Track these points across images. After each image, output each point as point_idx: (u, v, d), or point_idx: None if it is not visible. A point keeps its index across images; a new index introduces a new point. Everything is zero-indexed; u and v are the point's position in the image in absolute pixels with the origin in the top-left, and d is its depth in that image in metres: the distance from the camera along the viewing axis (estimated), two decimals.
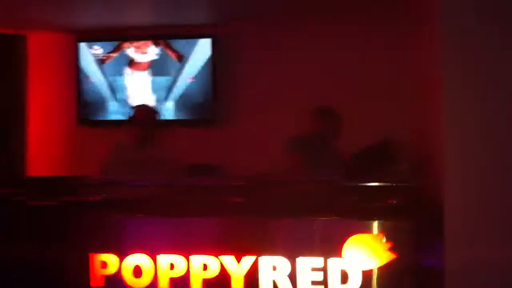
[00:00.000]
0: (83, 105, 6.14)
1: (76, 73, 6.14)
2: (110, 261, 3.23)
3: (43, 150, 6.25)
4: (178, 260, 3.16)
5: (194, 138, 5.91)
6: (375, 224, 2.99)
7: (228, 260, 3.11)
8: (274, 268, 3.06)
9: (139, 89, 6.03)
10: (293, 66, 5.76)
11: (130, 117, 4.36)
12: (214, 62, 5.93)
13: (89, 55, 6.11)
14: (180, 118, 6.00)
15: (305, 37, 5.74)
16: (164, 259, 3.18)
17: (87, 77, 6.14)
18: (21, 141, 6.20)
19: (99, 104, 6.13)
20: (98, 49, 6.10)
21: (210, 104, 5.94)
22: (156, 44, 5.98)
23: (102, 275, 3.24)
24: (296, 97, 5.61)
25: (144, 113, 4.36)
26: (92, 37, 6.09)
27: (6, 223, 3.55)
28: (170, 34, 5.98)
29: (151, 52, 5.99)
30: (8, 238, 3.50)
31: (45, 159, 6.21)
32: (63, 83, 6.27)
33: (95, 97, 6.13)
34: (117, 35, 6.04)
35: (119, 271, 3.22)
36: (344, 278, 2.98)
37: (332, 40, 5.66)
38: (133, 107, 4.65)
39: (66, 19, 5.70)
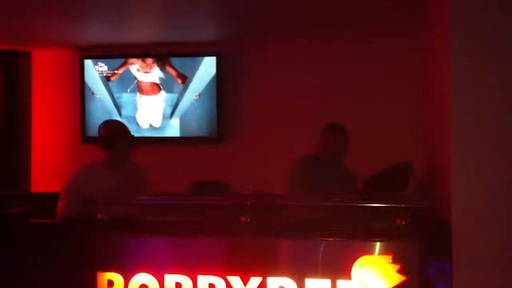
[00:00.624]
0: (88, 123, 6.15)
1: (81, 90, 6.15)
2: (116, 280, 3.21)
3: (47, 167, 6.24)
4: (185, 280, 3.14)
5: (199, 156, 5.91)
6: (384, 246, 2.97)
7: (235, 281, 3.09)
8: None
9: (150, 110, 6.04)
10: (299, 83, 5.77)
11: (101, 136, 3.90)
12: (219, 80, 5.94)
13: (94, 72, 6.13)
14: (185, 135, 6.00)
15: (311, 54, 5.75)
16: (170, 279, 3.16)
17: (92, 94, 6.15)
18: (26, 158, 6.20)
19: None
20: (103, 66, 6.12)
21: (214, 121, 5.95)
22: (160, 64, 5.99)
23: None
24: (301, 115, 5.62)
25: (117, 129, 3.92)
26: (97, 54, 6.11)
27: (11, 240, 3.54)
28: (175, 52, 6.00)
29: (155, 72, 6.01)
30: (12, 256, 3.50)
31: (49, 176, 6.19)
32: (68, 100, 6.28)
33: (100, 114, 6.13)
34: (122, 52, 6.06)
35: None
36: None
37: (339, 57, 5.68)
38: (101, 125, 4.03)
39: (71, 36, 5.72)
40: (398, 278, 2.93)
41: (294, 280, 3.03)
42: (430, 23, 3.67)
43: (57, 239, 3.42)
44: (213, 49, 5.93)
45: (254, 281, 3.07)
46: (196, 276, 3.13)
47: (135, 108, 6.10)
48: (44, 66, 6.32)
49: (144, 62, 6.05)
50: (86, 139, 6.17)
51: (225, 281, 3.10)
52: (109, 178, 3.77)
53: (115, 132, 3.89)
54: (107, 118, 6.08)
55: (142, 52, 6.01)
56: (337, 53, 5.66)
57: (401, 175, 3.81)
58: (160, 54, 6.02)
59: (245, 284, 3.08)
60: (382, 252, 2.95)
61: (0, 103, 6.13)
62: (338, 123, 4.11)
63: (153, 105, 6.06)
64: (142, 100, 6.08)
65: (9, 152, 6.13)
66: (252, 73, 5.94)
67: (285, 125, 5.72)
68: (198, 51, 5.96)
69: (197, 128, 5.99)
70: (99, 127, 4.00)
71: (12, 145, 6.14)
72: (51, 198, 5.79)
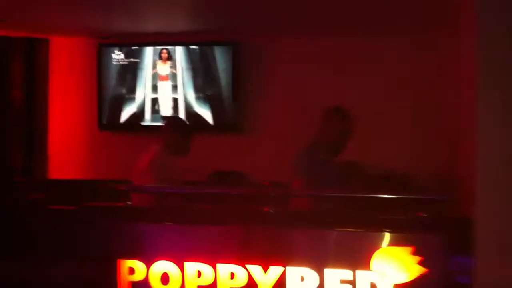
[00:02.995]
0: (105, 110, 6.17)
1: (98, 77, 6.17)
2: (137, 268, 3.24)
3: (65, 154, 6.29)
4: (205, 268, 3.17)
5: (218, 145, 5.91)
6: (405, 237, 2.98)
7: (256, 270, 3.11)
8: (302, 279, 3.06)
9: (166, 99, 6.06)
10: (317, 73, 5.76)
11: (162, 127, 4.44)
12: (236, 69, 5.95)
13: (111, 60, 6.15)
14: (202, 124, 6.02)
15: (328, 46, 5.74)
16: (191, 267, 3.19)
17: (108, 82, 6.17)
18: (43, 145, 6.24)
19: (121, 109, 6.15)
20: (120, 54, 6.13)
21: (232, 111, 5.96)
22: (175, 53, 6.00)
23: (130, 282, 3.25)
24: (319, 105, 5.60)
25: (174, 124, 4.42)
26: (114, 42, 6.12)
27: (30, 227, 3.57)
28: (192, 41, 6.00)
29: (171, 61, 6.02)
30: (31, 244, 3.52)
31: (67, 163, 6.24)
32: (85, 87, 6.30)
33: (117, 102, 6.15)
34: (138, 41, 6.07)
35: (146, 278, 3.23)
36: None
37: (357, 51, 5.67)
38: (164, 118, 4.99)
39: (89, 24, 5.73)
40: (419, 270, 2.94)
41: (314, 270, 3.05)
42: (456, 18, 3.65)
43: (77, 226, 3.44)
44: (231, 39, 5.93)
45: (275, 270, 3.09)
46: (216, 264, 3.16)
47: (152, 97, 6.11)
48: (62, 53, 6.34)
49: (161, 51, 6.05)
50: (103, 126, 6.20)
51: (246, 270, 3.12)
52: (172, 166, 4.07)
53: (173, 123, 4.46)
54: (123, 106, 6.12)
55: (159, 40, 6.02)
56: (356, 45, 5.64)
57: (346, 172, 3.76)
58: (176, 43, 6.02)
59: (265, 273, 3.10)
60: (403, 244, 2.96)
61: (19, 91, 6.16)
62: (340, 106, 3.91)
63: (169, 93, 6.08)
64: (159, 89, 6.10)
65: (27, 140, 6.17)
66: (270, 62, 5.93)
67: (302, 116, 5.71)
68: (216, 40, 5.95)
69: (213, 117, 6.01)
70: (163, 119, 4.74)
71: (30, 133, 6.18)
72: (68, 185, 5.87)
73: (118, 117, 6.15)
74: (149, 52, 6.08)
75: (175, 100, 6.06)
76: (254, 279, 3.11)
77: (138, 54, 6.11)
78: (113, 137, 6.20)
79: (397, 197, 3.26)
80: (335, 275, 3.02)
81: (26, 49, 6.16)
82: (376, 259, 2.98)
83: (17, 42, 6.13)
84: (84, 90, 6.31)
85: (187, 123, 4.54)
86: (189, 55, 6.03)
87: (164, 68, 6.08)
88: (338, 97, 5.46)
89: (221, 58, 5.97)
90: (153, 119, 6.06)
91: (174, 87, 6.06)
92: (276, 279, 3.08)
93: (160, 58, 6.07)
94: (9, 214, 3.63)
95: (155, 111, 6.09)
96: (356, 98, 5.41)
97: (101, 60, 6.16)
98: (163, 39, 6.02)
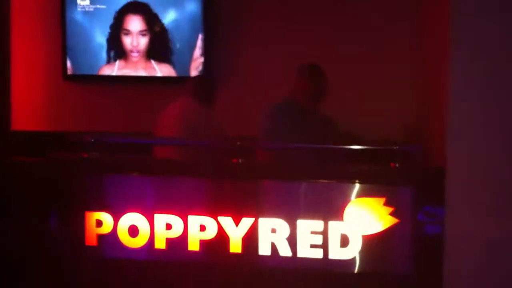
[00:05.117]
0: (69, 60, 5.96)
1: (62, 26, 5.93)
2: (105, 220, 3.18)
3: (28, 106, 6.08)
4: (175, 220, 3.12)
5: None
6: (377, 188, 2.97)
7: (226, 222, 3.07)
8: (274, 231, 3.04)
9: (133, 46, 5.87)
10: (290, 27, 5.63)
11: (191, 79, 4.74)
12: (206, 19, 5.78)
13: (76, 6, 5.90)
14: (171, 75, 5.87)
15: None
16: (160, 219, 3.14)
17: (73, 30, 5.94)
18: (5, 96, 6.02)
19: (87, 59, 5.95)
20: (85, 1, 5.89)
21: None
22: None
23: (97, 234, 3.19)
24: (290, 59, 5.51)
25: (201, 84, 4.58)
26: None
27: None
28: None
29: (139, 9, 5.81)
30: None
31: (30, 115, 6.05)
32: (49, 36, 6.05)
33: (82, 51, 5.94)
34: None
35: (114, 231, 3.17)
36: (345, 242, 2.97)
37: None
38: (191, 78, 5.07)
39: None
40: (391, 221, 2.94)
41: (286, 221, 3.02)
42: None
43: (43, 178, 3.34)
44: None
45: (246, 221, 3.06)
46: (187, 216, 3.11)
47: (119, 46, 5.92)
48: (23, 1, 6.06)
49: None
50: (67, 76, 6.00)
51: (217, 222, 3.08)
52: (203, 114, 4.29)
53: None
54: (89, 56, 5.91)
55: None
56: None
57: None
58: None
59: (236, 225, 3.06)
60: (375, 195, 2.95)
61: None
62: (314, 63, 3.78)
63: (138, 43, 5.89)
64: (125, 38, 5.90)
65: None
66: (242, 14, 5.77)
67: (274, 70, 5.61)
68: None
69: (181, 69, 5.86)
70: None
71: None
72: (33, 136, 5.71)
73: (85, 67, 5.96)
74: None
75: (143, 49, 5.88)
76: (225, 231, 3.08)
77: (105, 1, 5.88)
78: (80, 88, 6.02)
79: (370, 149, 3.24)
80: (306, 226, 3.00)
81: None
82: (349, 210, 2.97)
83: None
84: (48, 39, 6.06)
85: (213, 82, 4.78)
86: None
87: (131, 16, 5.87)
88: (311, 51, 5.39)
89: (188, 7, 5.78)
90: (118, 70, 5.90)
91: (142, 37, 5.87)
92: (247, 231, 3.05)
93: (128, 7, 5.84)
94: None
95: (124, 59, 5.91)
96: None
97: (66, 6, 5.90)
98: None
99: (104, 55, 5.92)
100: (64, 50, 5.94)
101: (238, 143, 3.26)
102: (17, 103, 6.08)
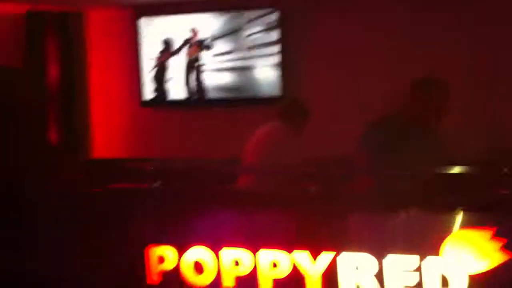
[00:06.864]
0: (145, 85, 5.83)
1: (137, 51, 5.82)
2: (167, 256, 2.85)
3: (106, 132, 6.01)
4: (244, 256, 2.74)
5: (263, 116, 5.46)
6: (482, 218, 2.45)
7: (302, 257, 2.66)
8: (357, 268, 2.59)
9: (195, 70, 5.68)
10: (368, 43, 5.23)
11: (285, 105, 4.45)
12: (283, 36, 5.47)
13: (150, 32, 5.78)
14: (246, 96, 5.59)
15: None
16: (228, 254, 2.77)
17: (149, 55, 5.81)
18: (85, 124, 5.98)
19: (163, 84, 5.80)
20: (160, 26, 5.75)
21: (278, 80, 5.50)
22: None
23: (160, 271, 2.87)
24: (371, 75, 5.10)
25: (297, 103, 4.44)
26: (152, 13, 5.73)
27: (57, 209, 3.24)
28: (234, 7, 5.55)
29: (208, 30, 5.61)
30: (58, 228, 3.19)
31: (108, 141, 5.97)
32: (124, 62, 5.96)
33: (159, 77, 5.80)
34: (178, 9, 5.66)
35: (177, 267, 2.84)
36: (444, 282, 2.47)
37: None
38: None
39: None
40: (501, 257, 2.41)
41: (373, 256, 2.57)
42: None
43: (104, 209, 3.08)
44: (276, 4, 5.45)
45: (325, 257, 2.63)
46: (257, 251, 2.73)
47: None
48: (98, 27, 6.01)
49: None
50: (144, 103, 5.87)
51: (291, 257, 2.67)
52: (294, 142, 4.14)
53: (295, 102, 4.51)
54: (165, 81, 5.76)
55: (200, 8, 5.60)
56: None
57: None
58: (219, 8, 5.58)
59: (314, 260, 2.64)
60: (480, 226, 2.44)
61: (56, 69, 5.87)
62: (435, 76, 3.45)
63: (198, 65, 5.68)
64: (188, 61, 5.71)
65: (68, 119, 5.89)
66: (318, 29, 5.43)
67: (355, 86, 5.20)
68: (260, 5, 5.49)
69: (259, 88, 5.57)
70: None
71: (71, 111, 5.90)
72: (112, 164, 5.58)
73: (162, 93, 5.82)
74: (188, 22, 5.66)
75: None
76: (300, 268, 2.66)
77: (177, 26, 5.71)
78: (156, 114, 5.88)
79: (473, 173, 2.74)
80: (397, 263, 2.53)
81: (59, 24, 5.83)
82: (448, 244, 2.47)
83: (49, 16, 5.80)
84: (124, 66, 5.97)
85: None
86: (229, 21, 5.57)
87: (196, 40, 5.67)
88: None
89: (263, 24, 5.50)
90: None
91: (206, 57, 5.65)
92: (326, 268, 2.62)
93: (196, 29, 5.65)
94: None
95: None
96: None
97: (140, 32, 5.79)
98: (205, 7, 5.59)
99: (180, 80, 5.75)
100: (139, 75, 5.83)
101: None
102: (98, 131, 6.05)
